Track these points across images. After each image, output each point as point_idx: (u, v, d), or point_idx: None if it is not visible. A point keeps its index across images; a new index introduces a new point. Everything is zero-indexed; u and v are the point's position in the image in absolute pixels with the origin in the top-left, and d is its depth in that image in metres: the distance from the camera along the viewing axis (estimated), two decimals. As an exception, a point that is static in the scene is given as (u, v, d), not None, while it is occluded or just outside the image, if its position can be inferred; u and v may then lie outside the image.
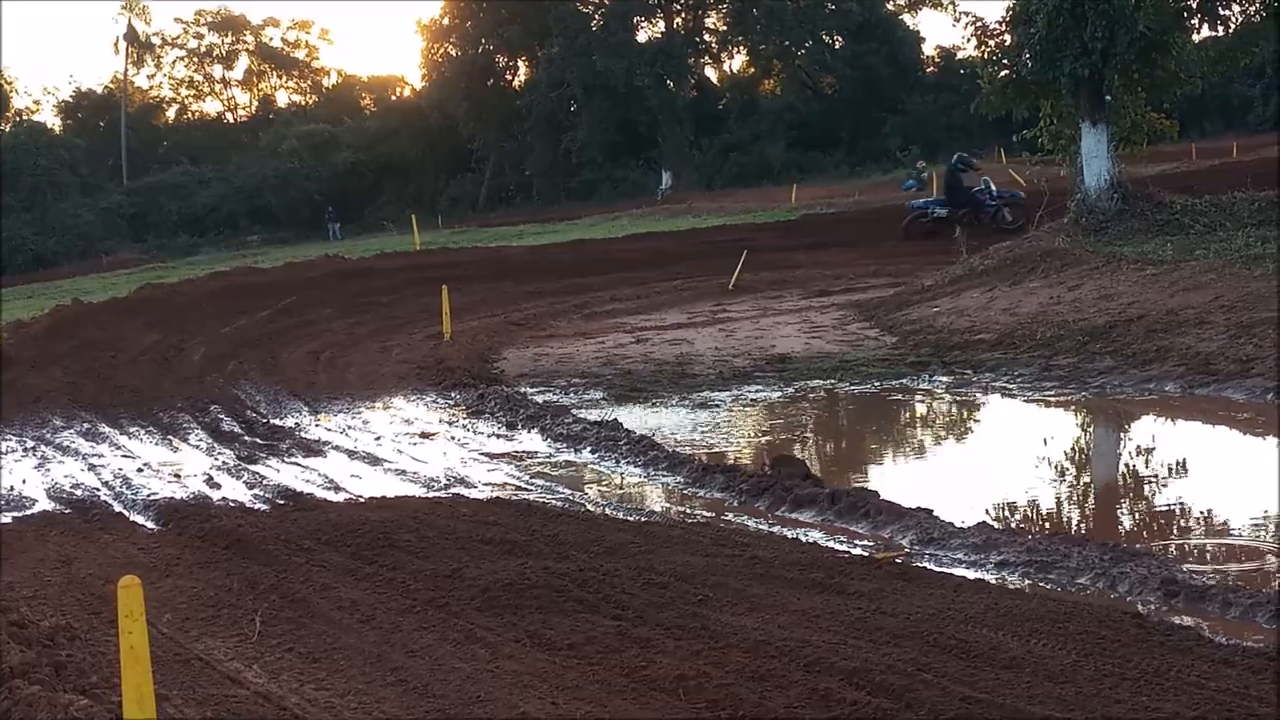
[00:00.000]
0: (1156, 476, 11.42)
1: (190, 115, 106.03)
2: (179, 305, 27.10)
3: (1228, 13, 25.11)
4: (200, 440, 15.02)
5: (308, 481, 12.38)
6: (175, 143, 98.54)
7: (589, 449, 13.25)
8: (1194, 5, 24.64)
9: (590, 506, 10.87)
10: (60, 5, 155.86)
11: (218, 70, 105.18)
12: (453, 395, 17.27)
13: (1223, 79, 36.62)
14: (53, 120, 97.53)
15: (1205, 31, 26.70)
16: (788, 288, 26.55)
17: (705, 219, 47.30)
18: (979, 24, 26.24)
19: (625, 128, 75.78)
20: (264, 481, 12.36)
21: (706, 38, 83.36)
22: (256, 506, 11.30)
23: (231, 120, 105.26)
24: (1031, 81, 24.72)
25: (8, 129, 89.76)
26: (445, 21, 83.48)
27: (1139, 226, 23.14)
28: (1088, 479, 11.87)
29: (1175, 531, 9.49)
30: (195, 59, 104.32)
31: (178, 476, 12.93)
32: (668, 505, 11.12)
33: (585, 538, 9.39)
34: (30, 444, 15.38)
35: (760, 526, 10.04)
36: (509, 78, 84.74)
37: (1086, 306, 18.10)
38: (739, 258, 28.23)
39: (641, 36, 78.62)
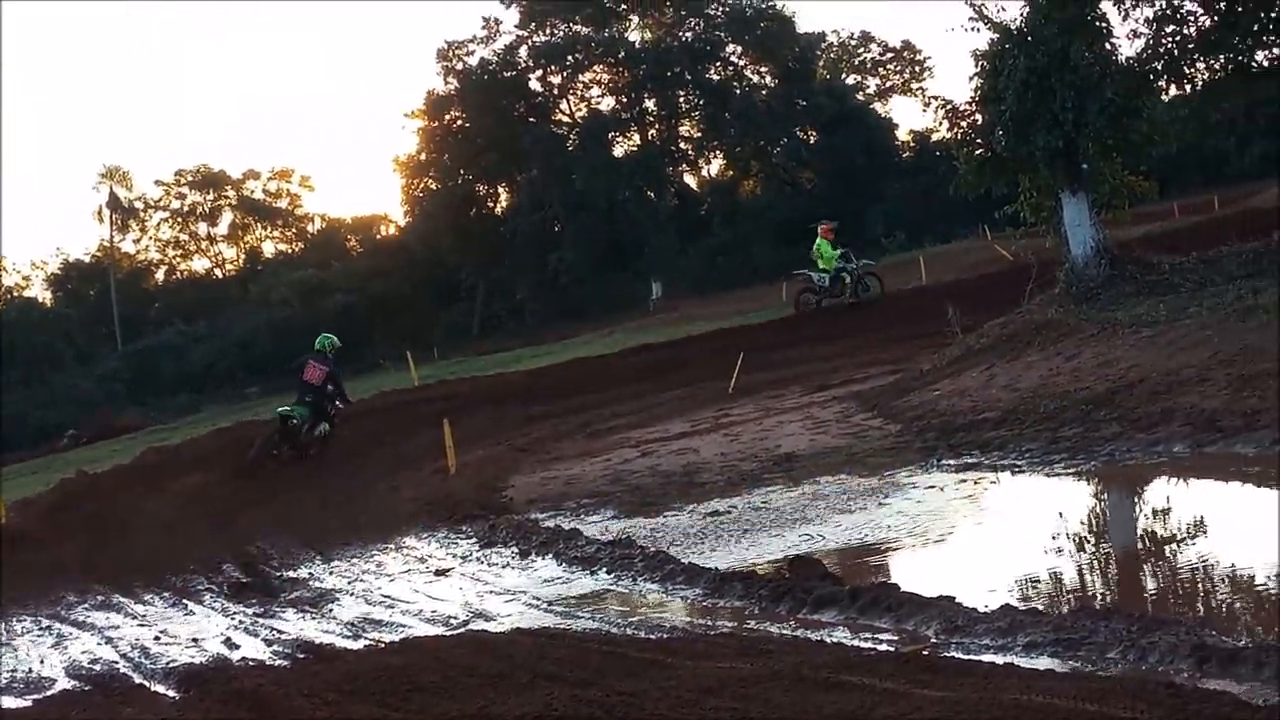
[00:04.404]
0: (1175, 539, 11.34)
1: (179, 274, 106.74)
2: (183, 466, 27.06)
3: (1193, 71, 25.28)
4: (215, 601, 14.93)
5: (326, 632, 12.30)
6: (166, 303, 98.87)
7: (604, 570, 13.18)
8: (1160, 68, 24.78)
9: (611, 629, 10.77)
10: (42, 179, 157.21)
11: (202, 228, 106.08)
12: (464, 528, 17.19)
13: (1196, 136, 36.68)
14: (43, 294, 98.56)
15: (1174, 91, 26.84)
16: (787, 385, 26.47)
17: (699, 324, 47.39)
18: (949, 106, 26.54)
19: (611, 242, 76.36)
20: (282, 637, 12.27)
21: (682, 145, 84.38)
22: (277, 663, 11.20)
23: (220, 275, 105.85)
24: (1007, 157, 24.81)
25: (1, 308, 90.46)
26: (422, 157, 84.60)
27: (1130, 290, 23.14)
28: (1107, 549, 11.78)
29: (1201, 594, 9.41)
30: (179, 219, 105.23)
31: (195, 641, 12.83)
32: (689, 619, 11.04)
33: (608, 662, 9.31)
34: (45, 622, 15.26)
35: (784, 631, 9.96)
36: (491, 205, 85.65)
37: (1086, 375, 18.09)
38: (736, 361, 28.19)
39: (618, 151, 79.55)
